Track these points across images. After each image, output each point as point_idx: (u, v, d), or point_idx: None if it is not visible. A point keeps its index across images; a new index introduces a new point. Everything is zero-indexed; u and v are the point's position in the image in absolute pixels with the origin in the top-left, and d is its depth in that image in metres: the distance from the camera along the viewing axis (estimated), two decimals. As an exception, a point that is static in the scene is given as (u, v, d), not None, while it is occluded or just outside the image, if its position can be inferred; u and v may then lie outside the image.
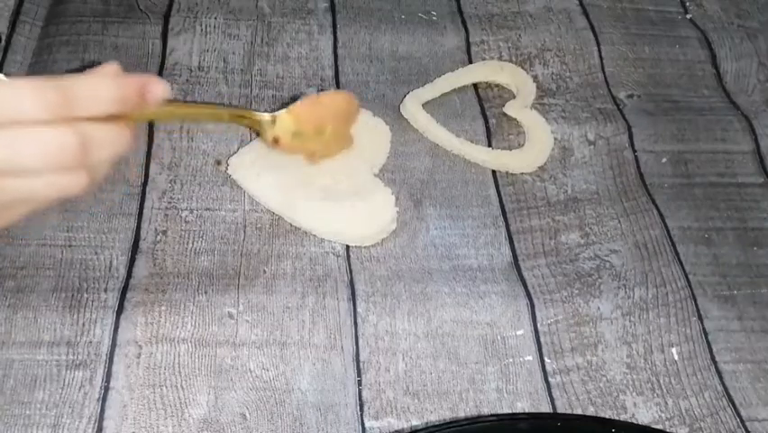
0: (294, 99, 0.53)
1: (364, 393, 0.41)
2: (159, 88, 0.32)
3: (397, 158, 0.51)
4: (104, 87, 0.29)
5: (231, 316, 0.42)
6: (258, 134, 0.45)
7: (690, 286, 0.46)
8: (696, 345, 0.44)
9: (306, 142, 0.44)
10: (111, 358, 0.40)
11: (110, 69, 0.31)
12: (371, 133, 0.50)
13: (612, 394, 0.41)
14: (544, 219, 0.48)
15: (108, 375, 0.40)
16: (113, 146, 0.30)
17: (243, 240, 0.46)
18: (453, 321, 0.43)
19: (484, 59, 0.57)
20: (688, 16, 0.62)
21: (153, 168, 0.48)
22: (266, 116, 0.42)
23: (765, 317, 0.45)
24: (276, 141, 0.43)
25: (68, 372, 0.40)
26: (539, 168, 0.51)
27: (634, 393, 0.42)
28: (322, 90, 0.54)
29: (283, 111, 0.43)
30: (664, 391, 0.42)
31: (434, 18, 0.60)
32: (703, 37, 0.60)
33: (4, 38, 0.52)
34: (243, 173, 0.48)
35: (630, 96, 0.56)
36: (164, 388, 0.40)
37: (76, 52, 0.54)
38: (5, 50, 0.54)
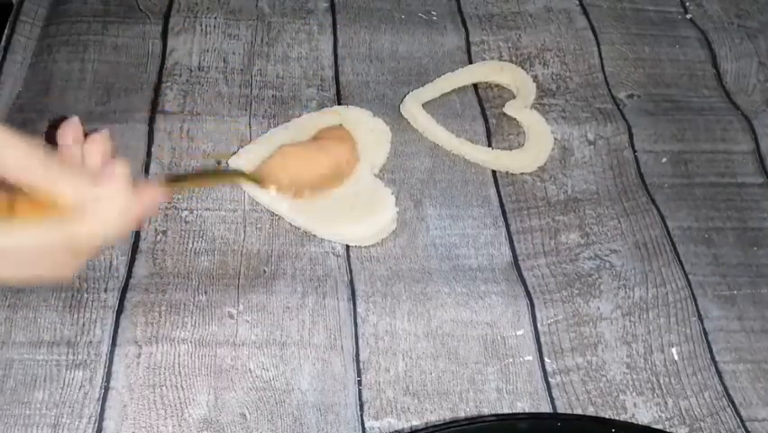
0: (294, 99, 0.53)
1: (364, 393, 0.40)
2: (164, 199, 0.35)
3: (397, 158, 0.51)
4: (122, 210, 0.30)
5: (231, 316, 0.42)
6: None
7: (690, 286, 0.46)
8: (696, 345, 0.44)
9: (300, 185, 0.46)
10: (111, 358, 0.40)
11: (99, 138, 0.32)
12: (371, 134, 0.50)
13: (612, 394, 0.41)
14: (543, 219, 0.48)
15: (108, 375, 0.40)
16: None
17: (243, 240, 0.46)
18: (453, 321, 0.43)
19: (484, 59, 0.57)
20: (688, 16, 0.62)
21: (153, 168, 0.48)
22: (251, 175, 0.44)
23: (765, 317, 0.45)
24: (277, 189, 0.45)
25: (68, 372, 0.40)
26: (539, 168, 0.51)
27: (634, 393, 0.42)
28: (322, 90, 0.54)
29: (272, 163, 0.45)
30: (664, 391, 0.42)
31: (434, 18, 0.60)
32: (703, 37, 0.60)
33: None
34: (243, 173, 0.48)
35: (630, 96, 0.56)
36: (164, 388, 0.40)
37: (76, 52, 0.54)
38: (5, 49, 0.54)
